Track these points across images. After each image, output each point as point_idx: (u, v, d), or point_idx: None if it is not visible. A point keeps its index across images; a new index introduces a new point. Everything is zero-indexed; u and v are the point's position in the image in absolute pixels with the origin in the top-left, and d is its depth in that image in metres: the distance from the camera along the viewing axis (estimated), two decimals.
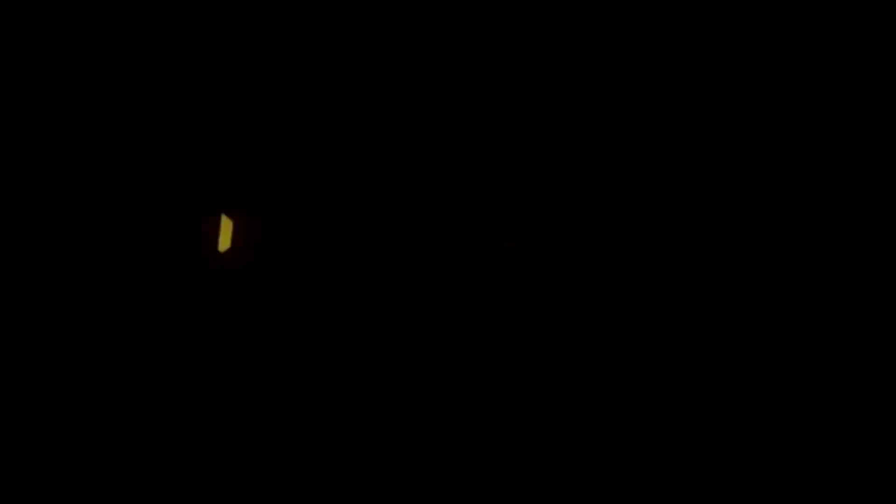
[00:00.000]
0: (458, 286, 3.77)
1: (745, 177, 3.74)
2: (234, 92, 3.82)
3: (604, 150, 3.76)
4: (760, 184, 3.74)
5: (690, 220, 3.75)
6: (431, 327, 3.79)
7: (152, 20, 3.78)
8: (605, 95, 3.76)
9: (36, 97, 3.80)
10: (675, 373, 3.74)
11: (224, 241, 3.79)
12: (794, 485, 3.71)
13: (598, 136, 3.76)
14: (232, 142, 3.82)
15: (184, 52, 3.81)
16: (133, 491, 3.78)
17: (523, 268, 3.77)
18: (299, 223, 3.82)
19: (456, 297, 3.77)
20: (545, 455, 3.75)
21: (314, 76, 3.82)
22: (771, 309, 3.72)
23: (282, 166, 3.82)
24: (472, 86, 3.77)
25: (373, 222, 3.82)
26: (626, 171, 3.76)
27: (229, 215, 3.79)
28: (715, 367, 3.73)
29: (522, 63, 3.76)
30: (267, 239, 3.80)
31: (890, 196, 3.72)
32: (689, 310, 3.73)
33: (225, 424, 3.79)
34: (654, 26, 3.74)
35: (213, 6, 3.78)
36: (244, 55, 3.81)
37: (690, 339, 3.74)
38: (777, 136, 3.74)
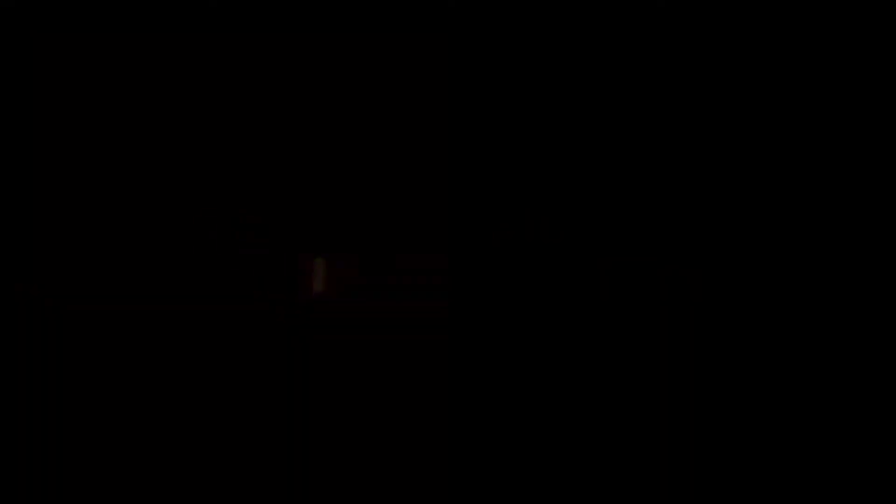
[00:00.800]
0: (458, 286, 3.77)
1: (745, 177, 3.75)
2: (234, 92, 3.82)
3: (604, 149, 3.77)
4: (760, 185, 3.74)
5: (690, 219, 3.76)
6: (431, 327, 3.79)
7: (152, 20, 3.79)
8: (605, 95, 3.76)
9: (36, 97, 3.80)
10: (675, 371, 3.74)
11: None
12: (793, 484, 3.71)
13: (598, 136, 3.76)
14: (230, 141, 3.82)
15: (184, 52, 3.81)
16: (133, 490, 3.78)
17: (523, 267, 3.77)
18: (299, 223, 3.82)
19: (456, 297, 3.77)
20: (545, 455, 3.76)
21: (314, 76, 3.82)
22: (771, 308, 3.72)
23: (280, 166, 3.83)
24: (472, 86, 3.77)
25: (372, 222, 3.83)
26: (626, 170, 3.76)
27: (235, 217, 3.80)
28: (714, 366, 3.73)
29: (522, 63, 3.77)
30: (268, 238, 3.81)
31: (889, 196, 3.72)
32: (689, 309, 3.74)
33: (225, 424, 3.79)
34: (654, 26, 3.74)
35: (213, 6, 3.78)
36: (244, 55, 3.82)
37: (690, 338, 3.74)
38: (777, 136, 3.74)
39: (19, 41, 3.78)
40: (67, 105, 3.81)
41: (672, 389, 3.74)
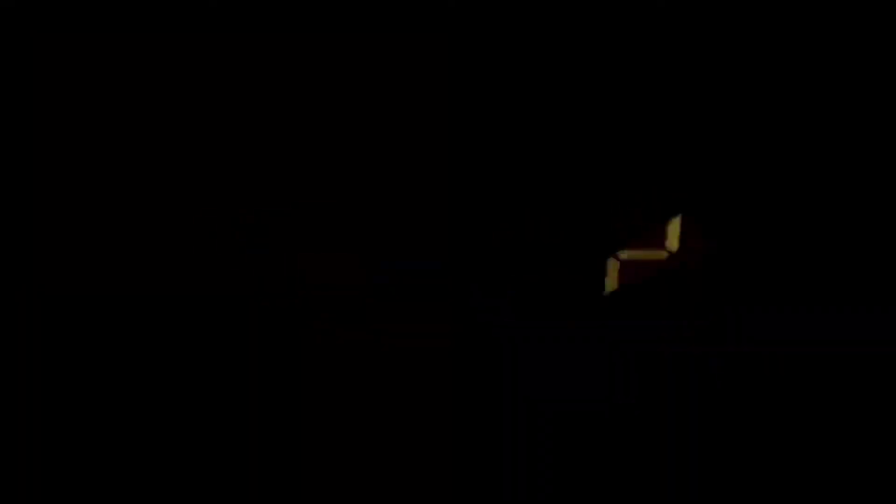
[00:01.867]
0: (457, 286, 3.78)
1: (746, 181, 3.75)
2: (234, 92, 3.83)
3: (603, 150, 3.77)
4: (761, 191, 3.75)
5: (689, 217, 3.76)
6: (432, 328, 3.80)
7: (152, 20, 3.79)
8: (605, 95, 3.77)
9: (36, 97, 3.80)
10: (676, 367, 3.75)
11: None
12: (794, 485, 3.71)
13: (598, 136, 3.77)
14: (229, 141, 3.83)
15: (184, 52, 3.81)
16: (133, 490, 3.78)
17: (522, 266, 3.78)
18: (299, 223, 3.83)
19: (456, 297, 3.77)
20: (545, 454, 3.76)
21: (314, 76, 3.83)
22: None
23: (280, 166, 3.83)
24: (472, 86, 3.78)
25: (372, 222, 3.83)
26: (625, 170, 3.77)
27: (236, 214, 3.80)
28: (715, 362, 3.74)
29: (522, 62, 3.77)
30: (266, 238, 3.81)
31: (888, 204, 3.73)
32: (689, 307, 3.74)
33: (225, 424, 3.79)
34: (654, 26, 3.75)
35: (213, 6, 3.78)
36: (244, 55, 3.82)
37: (689, 334, 3.75)
38: (776, 140, 3.75)
39: (19, 41, 3.78)
40: (67, 105, 3.81)
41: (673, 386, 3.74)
